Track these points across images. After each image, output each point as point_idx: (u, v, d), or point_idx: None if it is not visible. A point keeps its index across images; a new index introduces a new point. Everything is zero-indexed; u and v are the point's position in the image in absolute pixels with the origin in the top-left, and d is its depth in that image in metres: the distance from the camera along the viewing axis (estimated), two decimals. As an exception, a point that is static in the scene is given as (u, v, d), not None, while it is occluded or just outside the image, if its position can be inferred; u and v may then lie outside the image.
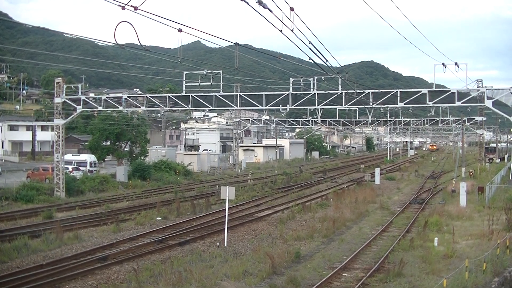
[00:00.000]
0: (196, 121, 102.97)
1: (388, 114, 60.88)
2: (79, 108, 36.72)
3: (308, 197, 39.45)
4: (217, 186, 42.25)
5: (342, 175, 63.43)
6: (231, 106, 33.90)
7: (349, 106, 32.68)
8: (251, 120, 76.43)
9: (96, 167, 50.41)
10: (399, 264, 17.11)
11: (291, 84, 31.60)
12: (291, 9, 11.94)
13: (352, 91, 30.38)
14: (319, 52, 15.14)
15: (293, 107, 32.27)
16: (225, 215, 23.26)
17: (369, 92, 31.17)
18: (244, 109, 71.17)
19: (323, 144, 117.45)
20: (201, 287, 15.04)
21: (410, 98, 29.67)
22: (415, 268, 17.66)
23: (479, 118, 58.15)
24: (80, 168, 47.35)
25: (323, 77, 30.14)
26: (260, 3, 10.64)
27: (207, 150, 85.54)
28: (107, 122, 55.23)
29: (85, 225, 25.71)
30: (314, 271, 17.75)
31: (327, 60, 16.74)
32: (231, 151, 75.15)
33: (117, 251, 20.17)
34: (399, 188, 48.49)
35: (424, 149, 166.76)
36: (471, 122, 59.81)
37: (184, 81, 33.46)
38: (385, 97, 30.61)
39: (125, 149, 58.51)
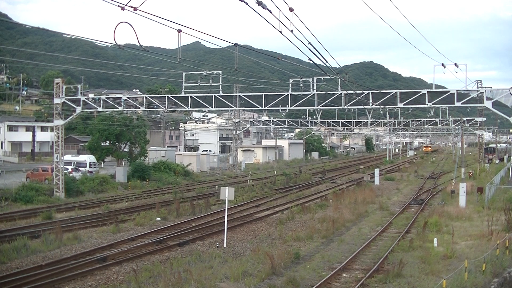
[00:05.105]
0: (196, 122, 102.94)
1: (388, 115, 60.95)
2: (79, 109, 36.69)
3: (307, 198, 39.45)
4: (217, 186, 42.23)
5: (342, 175, 63.44)
6: (231, 107, 33.88)
7: (348, 107, 32.64)
8: (250, 121, 76.42)
9: (95, 168, 50.35)
10: (399, 264, 17.11)
11: (290, 85, 31.57)
12: (291, 9, 11.93)
13: (352, 91, 30.40)
14: (319, 53, 15.14)
15: (292, 107, 32.24)
16: (224, 216, 23.25)
17: (368, 93, 31.16)
18: (243, 110, 71.15)
19: (323, 144, 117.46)
20: (201, 288, 15.05)
21: (410, 99, 29.67)
22: (414, 268, 17.66)
23: (478, 119, 58.21)
24: (80, 168, 47.30)
25: (322, 78, 30.09)
26: (259, 3, 10.64)
27: (206, 150, 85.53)
28: (106, 122, 55.23)
29: (85, 225, 25.70)
30: (313, 271, 17.75)
31: (326, 61, 16.74)
32: (230, 151, 75.16)
33: (116, 251, 20.16)
34: (398, 188, 48.51)
35: (423, 149, 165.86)
36: (470, 123, 59.85)
37: (183, 82, 33.45)
38: (385, 98, 30.62)
39: (125, 150, 58.50)
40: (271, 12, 11.17)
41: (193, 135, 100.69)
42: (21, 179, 43.12)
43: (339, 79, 28.81)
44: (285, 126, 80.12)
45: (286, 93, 31.90)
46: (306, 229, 25.56)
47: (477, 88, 28.95)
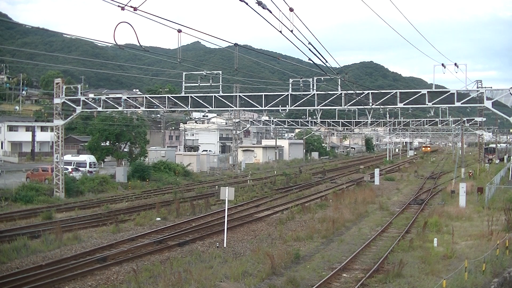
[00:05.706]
0: (196, 122, 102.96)
1: (388, 115, 60.96)
2: (79, 109, 36.69)
3: (307, 198, 39.45)
4: (217, 186, 42.24)
5: (342, 175, 63.43)
6: (231, 107, 33.88)
7: (348, 107, 32.63)
8: (250, 121, 76.41)
9: (95, 168, 50.34)
10: (399, 264, 17.11)
11: (290, 85, 31.57)
12: (291, 9, 11.94)
13: (352, 91, 30.40)
14: (319, 53, 15.14)
15: (292, 107, 32.24)
16: (224, 216, 23.25)
17: (368, 93, 31.16)
18: (243, 110, 71.16)
19: (323, 144, 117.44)
20: (201, 288, 15.04)
21: (410, 99, 29.67)
22: (414, 268, 17.66)
23: (478, 119, 58.22)
24: (80, 168, 47.29)
25: (322, 78, 30.08)
26: (259, 3, 10.64)
27: (206, 150, 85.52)
28: (106, 122, 55.22)
29: (85, 225, 25.71)
30: (313, 271, 17.75)
31: (326, 61, 16.74)
32: (230, 151, 75.16)
33: (116, 251, 20.16)
34: (398, 188, 48.51)
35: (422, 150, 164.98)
36: (470, 123, 59.86)
37: (183, 82, 33.45)
38: (385, 98, 30.62)
39: (125, 150, 58.49)
40: (271, 12, 11.17)
41: (193, 135, 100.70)
42: (21, 179, 43.12)
43: (339, 79, 28.81)
44: (285, 126, 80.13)
45: (286, 93, 31.90)
46: (306, 229, 25.55)
47: (477, 88, 28.94)
